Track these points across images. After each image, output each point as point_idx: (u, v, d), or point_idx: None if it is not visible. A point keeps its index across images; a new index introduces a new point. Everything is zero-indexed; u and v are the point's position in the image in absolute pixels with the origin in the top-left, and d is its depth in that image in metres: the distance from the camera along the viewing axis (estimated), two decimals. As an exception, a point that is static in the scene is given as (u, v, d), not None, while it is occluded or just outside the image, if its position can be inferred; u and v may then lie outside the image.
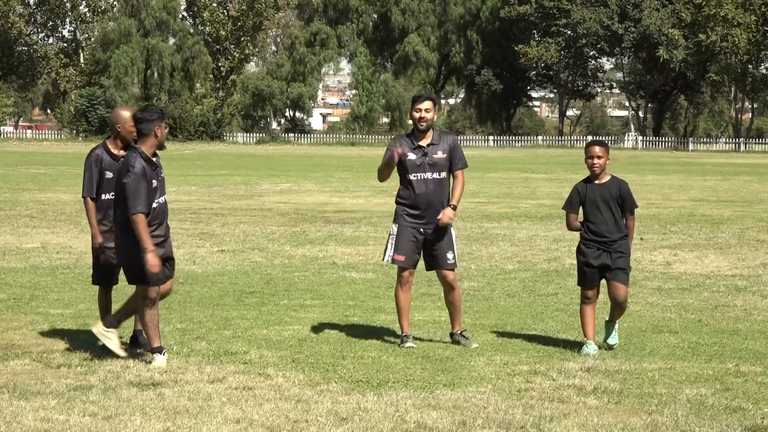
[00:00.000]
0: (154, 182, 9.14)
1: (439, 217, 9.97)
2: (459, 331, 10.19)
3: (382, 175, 10.20)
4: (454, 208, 10.05)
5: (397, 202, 10.19)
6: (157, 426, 7.25)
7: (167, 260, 9.36)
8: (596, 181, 9.85)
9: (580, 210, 9.98)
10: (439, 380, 8.68)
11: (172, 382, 8.47)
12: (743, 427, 7.42)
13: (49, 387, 8.25)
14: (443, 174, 10.06)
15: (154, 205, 9.16)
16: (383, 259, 10.25)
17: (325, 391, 8.23)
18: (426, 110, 10.00)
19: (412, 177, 10.02)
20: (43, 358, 9.36)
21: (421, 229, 10.03)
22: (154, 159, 9.22)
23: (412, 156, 10.00)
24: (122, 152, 9.80)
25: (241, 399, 7.97)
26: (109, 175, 9.73)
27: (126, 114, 9.80)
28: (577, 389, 8.41)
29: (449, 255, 10.08)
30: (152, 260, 8.99)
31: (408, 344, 9.93)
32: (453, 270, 10.13)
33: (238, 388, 8.29)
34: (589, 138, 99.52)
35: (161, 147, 9.31)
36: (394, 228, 10.12)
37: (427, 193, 10.00)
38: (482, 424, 7.38)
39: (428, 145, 10.04)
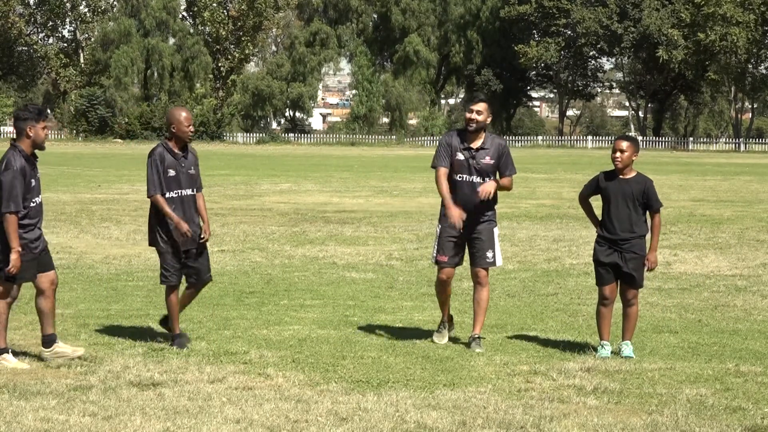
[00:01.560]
0: (33, 182, 9.01)
1: (479, 189, 9.85)
2: (476, 335, 10.09)
3: (437, 185, 10.10)
4: (495, 187, 9.90)
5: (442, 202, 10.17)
6: (157, 426, 7.25)
7: (41, 252, 9.18)
8: (620, 176, 9.80)
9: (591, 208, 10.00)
10: (439, 380, 8.68)
11: (172, 382, 8.47)
12: (743, 427, 7.42)
13: (49, 387, 8.25)
14: (487, 180, 9.92)
15: (32, 203, 9.03)
16: (432, 259, 10.28)
17: (325, 391, 8.23)
18: (477, 112, 9.86)
19: (457, 177, 9.95)
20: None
21: (462, 230, 9.98)
22: (35, 159, 9.09)
23: (460, 156, 9.91)
24: (182, 150, 10.01)
25: (241, 399, 7.97)
26: (171, 173, 9.90)
27: (181, 114, 9.97)
28: (577, 389, 8.41)
29: (488, 254, 10.02)
30: (15, 261, 8.89)
31: (442, 339, 10.20)
32: (488, 268, 10.09)
33: (238, 388, 8.30)
34: (590, 138, 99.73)
35: (38, 147, 9.12)
36: (438, 228, 10.16)
37: (469, 195, 9.91)
38: (482, 424, 7.38)
39: (478, 149, 9.92)
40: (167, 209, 9.87)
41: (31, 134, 9.02)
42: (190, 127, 10.02)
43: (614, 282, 9.81)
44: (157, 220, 10.00)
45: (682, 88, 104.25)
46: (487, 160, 9.92)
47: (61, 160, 51.90)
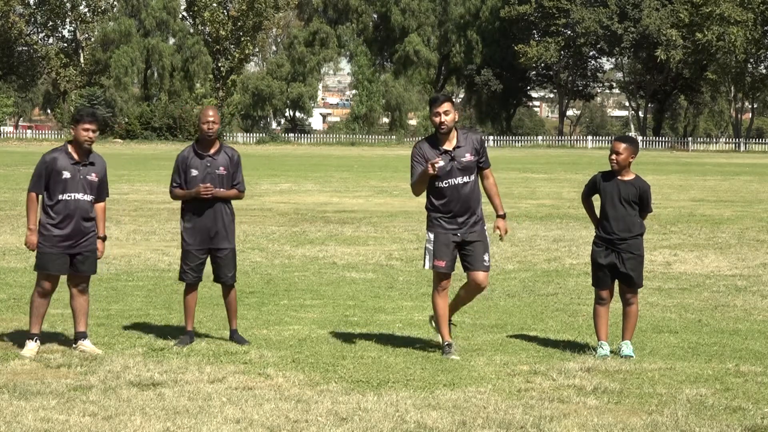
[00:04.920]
0: (66, 174, 9.58)
1: (500, 234, 9.75)
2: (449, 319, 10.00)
3: (418, 189, 9.75)
4: (504, 216, 9.78)
5: (428, 209, 9.79)
6: (157, 426, 7.25)
7: (75, 256, 9.67)
8: (619, 177, 9.79)
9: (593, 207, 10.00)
10: (439, 380, 8.68)
11: (172, 382, 8.47)
12: (743, 427, 7.42)
13: (49, 387, 8.25)
14: (473, 176, 9.66)
15: (63, 197, 9.58)
16: (424, 266, 9.90)
17: (325, 391, 8.23)
18: (445, 112, 9.51)
19: (443, 184, 9.60)
20: (43, 358, 9.37)
21: (458, 234, 9.67)
22: (86, 158, 9.65)
23: (440, 162, 9.53)
24: (210, 150, 10.08)
25: (241, 399, 7.97)
26: (193, 173, 10.02)
27: (205, 112, 10.07)
28: (577, 389, 8.41)
29: (485, 257, 9.78)
30: (28, 238, 9.66)
31: (453, 356, 9.53)
32: (487, 271, 9.86)
33: (238, 388, 8.30)
34: (590, 138, 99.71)
35: (80, 146, 9.65)
36: (430, 235, 9.73)
37: (459, 198, 9.60)
38: (482, 424, 7.38)
39: (455, 149, 9.59)
40: (184, 192, 10.03)
41: (75, 135, 9.70)
42: (207, 124, 10.00)
43: (612, 284, 9.81)
44: (181, 218, 10.20)
45: (681, 88, 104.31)
46: (468, 157, 9.62)
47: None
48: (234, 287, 10.32)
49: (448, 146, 9.63)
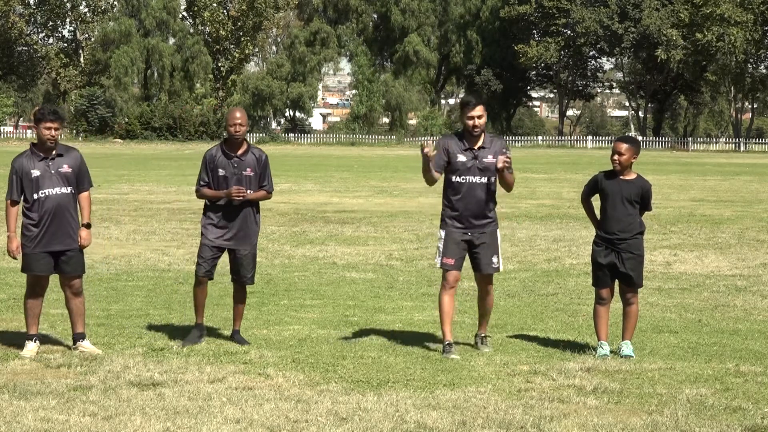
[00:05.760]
0: (36, 172, 9.55)
1: (499, 165, 9.72)
2: (483, 335, 10.06)
3: (426, 176, 9.83)
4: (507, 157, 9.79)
5: (443, 205, 9.89)
6: (157, 426, 7.25)
7: (58, 254, 9.68)
8: (621, 177, 9.79)
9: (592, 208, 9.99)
10: (439, 380, 8.68)
11: (172, 382, 8.48)
12: (743, 427, 7.42)
13: (49, 387, 8.26)
14: (491, 179, 9.80)
15: (39, 195, 9.58)
16: (436, 264, 10.03)
17: (325, 391, 8.23)
18: (479, 116, 9.75)
19: (460, 179, 9.77)
20: (43, 358, 9.37)
21: (469, 233, 9.78)
22: (51, 153, 9.58)
23: (462, 158, 9.74)
24: (237, 151, 10.10)
25: (241, 399, 7.97)
26: (221, 172, 10.04)
27: (232, 114, 10.06)
28: (577, 389, 8.41)
29: (494, 259, 9.85)
30: (7, 245, 9.75)
31: (453, 356, 9.57)
32: (493, 273, 9.91)
33: (238, 388, 8.30)
34: (590, 138, 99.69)
35: (45, 146, 9.58)
36: (441, 233, 9.86)
37: (474, 197, 9.74)
38: (482, 424, 7.38)
39: (479, 149, 9.78)
40: (213, 192, 10.07)
41: (36, 134, 9.65)
42: (234, 126, 9.99)
43: (612, 284, 9.82)
44: (203, 213, 10.26)
45: (681, 88, 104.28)
46: (490, 158, 9.78)
47: (61, 160, 51.75)
48: (246, 289, 10.39)
49: (475, 146, 9.83)
